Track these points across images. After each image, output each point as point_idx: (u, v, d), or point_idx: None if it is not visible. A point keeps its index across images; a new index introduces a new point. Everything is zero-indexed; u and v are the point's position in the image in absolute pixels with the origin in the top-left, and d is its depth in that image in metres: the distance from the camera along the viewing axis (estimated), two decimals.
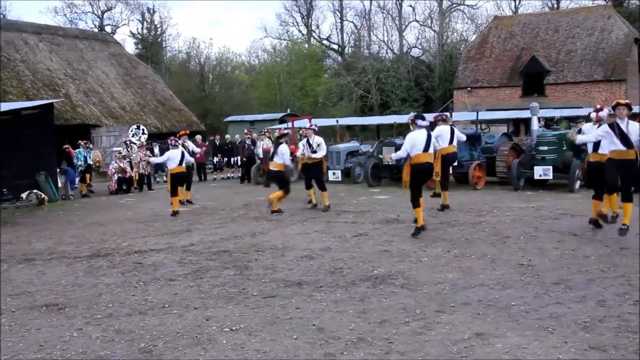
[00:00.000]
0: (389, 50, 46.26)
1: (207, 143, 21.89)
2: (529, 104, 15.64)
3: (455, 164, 13.01)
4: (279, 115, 29.05)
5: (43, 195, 15.26)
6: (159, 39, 49.87)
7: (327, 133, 25.29)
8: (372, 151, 17.44)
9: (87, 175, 17.91)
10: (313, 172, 11.90)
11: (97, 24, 47.03)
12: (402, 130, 19.76)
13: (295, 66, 44.52)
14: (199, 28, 74.08)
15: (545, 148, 13.70)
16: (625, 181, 8.13)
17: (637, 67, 29.60)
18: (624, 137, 7.84)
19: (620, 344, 4.35)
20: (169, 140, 13.73)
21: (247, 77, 50.62)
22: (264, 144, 18.67)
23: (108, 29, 46.53)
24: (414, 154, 8.73)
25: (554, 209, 10.77)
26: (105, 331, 5.10)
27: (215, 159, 21.82)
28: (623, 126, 7.87)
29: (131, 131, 21.71)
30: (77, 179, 17.57)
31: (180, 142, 13.40)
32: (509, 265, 6.78)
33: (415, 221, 8.89)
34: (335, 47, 49.35)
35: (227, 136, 22.94)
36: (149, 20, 48.84)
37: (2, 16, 40.06)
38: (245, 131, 21.42)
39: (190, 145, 15.17)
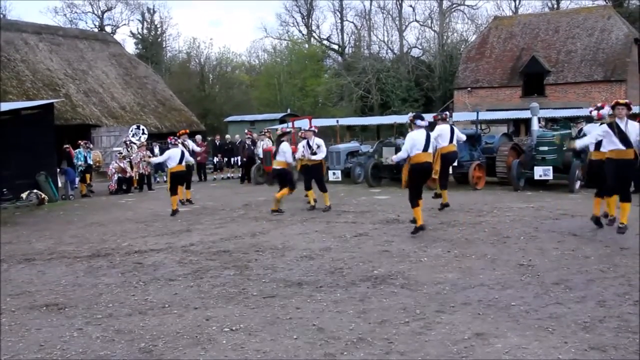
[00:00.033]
0: (389, 51, 46.35)
1: (205, 143, 21.88)
2: (529, 104, 15.64)
3: (455, 164, 13.02)
4: (279, 116, 29.05)
5: (43, 195, 15.27)
6: (159, 39, 49.89)
7: (327, 133, 25.31)
8: (372, 151, 17.44)
9: (87, 175, 17.92)
10: (313, 173, 11.90)
11: (97, 24, 47.14)
12: (402, 130, 19.76)
13: (295, 66, 44.53)
14: (199, 28, 74.20)
15: (546, 148, 13.70)
16: (624, 181, 8.14)
17: (637, 68, 29.59)
18: (623, 137, 7.86)
19: (620, 344, 4.35)
20: (168, 140, 13.74)
21: (247, 77, 50.63)
22: (264, 144, 18.67)
23: (108, 29, 46.60)
24: (413, 153, 8.76)
25: (554, 209, 10.78)
26: (105, 331, 5.10)
27: (215, 159, 21.84)
28: (622, 126, 7.88)
29: (131, 131, 21.71)
30: (77, 179, 17.58)
31: (180, 141, 13.42)
32: (509, 265, 6.78)
33: (414, 220, 8.91)
34: (336, 47, 49.39)
35: (227, 136, 22.96)
36: (149, 20, 48.91)
37: (2, 16, 40.08)
38: (246, 131, 21.42)
39: (191, 144, 15.17)
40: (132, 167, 18.14)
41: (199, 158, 19.30)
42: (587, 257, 7.02)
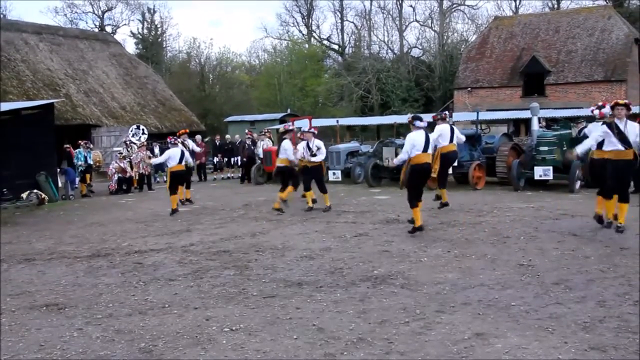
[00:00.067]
0: (389, 51, 46.35)
1: (204, 143, 21.88)
2: (530, 104, 15.64)
3: (455, 164, 13.01)
4: (279, 116, 29.05)
5: (43, 195, 15.27)
6: (160, 39, 49.89)
7: (327, 133, 25.32)
8: (372, 151, 17.44)
9: (88, 175, 17.92)
10: (313, 174, 11.90)
11: (97, 24, 47.13)
12: (402, 130, 19.77)
13: (295, 66, 44.52)
14: (199, 28, 74.18)
15: (546, 148, 13.70)
16: (623, 182, 8.15)
17: (638, 68, 29.58)
18: (622, 137, 7.86)
19: (620, 344, 4.35)
20: (168, 139, 13.75)
21: (247, 77, 50.61)
22: (264, 144, 18.68)
23: (108, 29, 46.58)
24: (413, 154, 8.77)
25: (554, 209, 10.77)
26: (105, 331, 5.10)
27: (215, 159, 21.84)
28: (621, 126, 7.89)
29: (131, 131, 21.71)
30: (77, 179, 17.58)
31: (180, 140, 13.42)
32: (509, 265, 6.78)
33: (412, 221, 8.91)
34: (336, 47, 49.39)
35: (227, 136, 22.96)
36: (149, 20, 48.90)
37: (2, 16, 40.08)
38: (246, 131, 21.43)
39: (191, 143, 15.17)
40: (132, 167, 18.14)
41: (198, 161, 19.32)
42: (587, 257, 7.01)
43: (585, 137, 10.99)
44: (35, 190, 15.22)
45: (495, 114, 22.55)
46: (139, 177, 18.33)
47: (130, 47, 46.12)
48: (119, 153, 19.13)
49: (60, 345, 4.82)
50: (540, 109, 15.70)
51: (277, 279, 6.57)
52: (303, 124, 15.58)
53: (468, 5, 45.00)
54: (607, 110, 8.54)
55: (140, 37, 48.46)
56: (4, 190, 14.56)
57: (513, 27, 33.00)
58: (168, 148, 13.29)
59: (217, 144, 21.84)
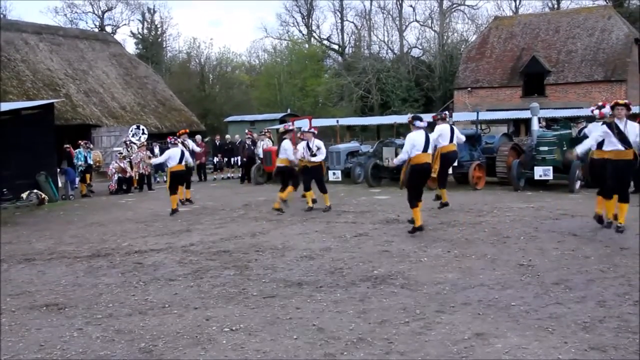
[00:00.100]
0: (389, 51, 46.35)
1: (204, 143, 21.88)
2: (530, 104, 15.64)
3: (456, 164, 13.01)
4: (279, 116, 29.04)
5: (43, 195, 15.27)
6: (160, 39, 49.89)
7: (327, 133, 25.32)
8: (372, 151, 17.44)
9: (87, 175, 17.93)
10: (313, 174, 11.90)
11: (97, 24, 47.14)
12: (402, 130, 19.77)
13: (295, 66, 44.52)
14: (199, 28, 74.19)
15: (546, 148, 13.70)
16: (623, 182, 8.16)
17: (638, 68, 29.58)
18: (622, 137, 7.86)
19: (620, 344, 4.35)
20: (168, 139, 13.75)
21: (247, 77, 50.61)
22: (264, 144, 18.68)
23: (108, 29, 46.59)
24: (413, 154, 8.77)
25: (554, 209, 10.77)
26: (105, 331, 5.11)
27: (215, 159, 21.83)
28: (621, 126, 7.89)
29: (131, 131, 21.71)
30: (77, 179, 17.58)
31: (180, 140, 13.42)
32: (509, 265, 6.78)
33: (412, 221, 8.91)
34: (336, 47, 49.39)
35: (227, 136, 22.96)
36: (149, 20, 48.91)
37: (2, 16, 40.08)
38: (246, 131, 21.43)
39: (191, 143, 15.17)
40: (132, 167, 18.14)
41: (198, 161, 19.32)
42: (587, 257, 7.02)
43: (585, 137, 10.99)
44: (35, 190, 15.22)
45: (495, 114, 22.55)
46: (139, 177, 18.33)
47: (130, 47, 46.21)
48: (119, 153, 19.13)
49: (60, 345, 4.82)
50: (540, 109, 15.70)
51: (277, 279, 6.57)
52: (303, 124, 15.57)
53: (468, 5, 45.08)
54: (607, 110, 8.54)
55: (140, 37, 48.47)
56: (4, 190, 14.56)
57: (513, 27, 33.00)
58: (168, 148, 13.29)
59: (217, 144, 21.84)
